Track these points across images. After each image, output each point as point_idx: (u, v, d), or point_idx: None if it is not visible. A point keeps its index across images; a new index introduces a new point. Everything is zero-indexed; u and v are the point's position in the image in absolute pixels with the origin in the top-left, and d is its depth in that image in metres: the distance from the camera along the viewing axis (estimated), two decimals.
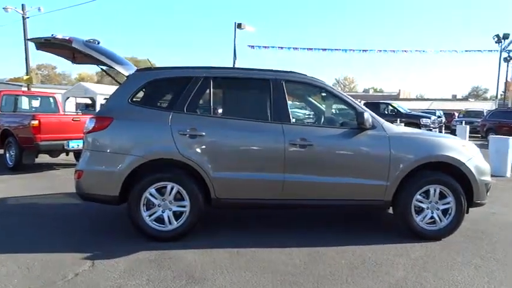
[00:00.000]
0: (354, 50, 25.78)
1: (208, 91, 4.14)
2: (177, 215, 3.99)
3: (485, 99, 61.29)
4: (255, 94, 4.29)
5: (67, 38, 4.06)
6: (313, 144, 4.04)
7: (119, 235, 4.17)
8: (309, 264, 3.49)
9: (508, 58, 31.22)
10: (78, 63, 5.23)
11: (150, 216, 3.97)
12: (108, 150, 3.97)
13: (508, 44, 23.76)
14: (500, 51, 27.47)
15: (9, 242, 3.96)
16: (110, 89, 14.79)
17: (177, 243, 3.90)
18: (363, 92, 74.47)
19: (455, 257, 3.76)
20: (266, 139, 4.05)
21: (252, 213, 5.04)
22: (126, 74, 4.23)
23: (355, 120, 4.16)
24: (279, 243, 3.97)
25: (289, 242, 4.00)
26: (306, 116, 5.71)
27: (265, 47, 25.49)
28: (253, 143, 4.07)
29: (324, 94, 4.44)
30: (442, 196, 4.22)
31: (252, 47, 23.49)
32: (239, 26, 23.60)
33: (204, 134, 3.96)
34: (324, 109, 4.54)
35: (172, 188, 3.95)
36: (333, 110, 4.53)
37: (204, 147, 3.96)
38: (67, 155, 9.21)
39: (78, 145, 8.22)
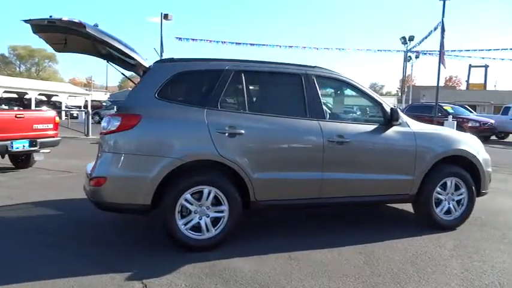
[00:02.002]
0: (280, 46, 26.26)
1: (241, 86, 3.84)
2: (214, 222, 3.65)
3: (381, 94, 67.40)
4: (288, 89, 4.08)
5: (77, 21, 3.43)
6: (349, 141, 3.99)
7: (144, 247, 3.70)
8: (369, 263, 3.44)
9: (409, 58, 34.70)
10: (62, 51, 4.50)
11: (185, 224, 3.56)
12: (138, 153, 3.46)
13: (417, 44, 26.43)
14: (406, 52, 30.38)
15: (17, 272, 3.19)
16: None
17: (217, 252, 3.56)
18: None
19: (483, 244, 4.00)
20: (306, 137, 3.89)
21: (272, 214, 4.82)
22: (146, 64, 3.72)
23: (384, 116, 4.20)
24: (321, 242, 3.85)
25: (328, 240, 3.91)
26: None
27: (194, 39, 24.81)
28: (294, 141, 3.88)
29: (350, 90, 4.39)
30: (457, 188, 4.48)
31: (180, 39, 22.70)
32: (165, 17, 22.61)
33: (243, 132, 3.65)
34: (353, 105, 4.51)
35: (209, 192, 3.59)
36: (355, 107, 4.51)
37: (243, 146, 3.66)
38: (2, 157, 7.92)
39: (24, 146, 7.13)
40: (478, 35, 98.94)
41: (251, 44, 25.54)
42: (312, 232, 4.26)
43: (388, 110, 4.22)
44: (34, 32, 3.71)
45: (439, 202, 4.43)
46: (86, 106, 33.01)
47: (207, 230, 3.61)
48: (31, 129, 7.24)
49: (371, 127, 4.19)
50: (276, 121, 3.82)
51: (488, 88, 54.68)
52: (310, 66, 4.18)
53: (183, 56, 3.88)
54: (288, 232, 4.26)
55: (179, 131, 3.56)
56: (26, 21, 3.54)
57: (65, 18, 3.42)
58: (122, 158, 3.45)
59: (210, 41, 25.17)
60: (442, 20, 17.22)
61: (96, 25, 3.69)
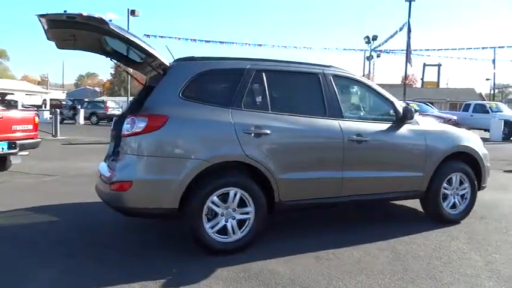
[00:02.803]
0: (249, 44, 26.19)
1: (262, 85, 3.77)
2: (240, 224, 3.58)
3: None
4: (308, 88, 4.05)
5: (97, 16, 3.23)
6: (367, 140, 4.04)
7: (166, 250, 3.57)
8: (398, 260, 3.49)
9: (371, 57, 35.79)
10: (64, 48, 4.25)
11: (212, 227, 3.47)
12: (165, 155, 3.32)
13: (382, 44, 27.29)
14: (370, 51, 31.31)
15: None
16: None
17: (245, 254, 3.49)
18: None
19: (491, 236, 4.19)
20: (328, 136, 3.90)
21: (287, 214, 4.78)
22: (167, 63, 3.58)
23: (396, 114, 4.29)
24: (341, 241, 3.87)
25: (349, 238, 3.94)
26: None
27: (162, 36, 24.24)
28: (316, 141, 3.88)
29: (363, 89, 4.44)
30: (461, 182, 4.66)
31: (148, 36, 22.11)
32: (132, 13, 21.93)
33: (268, 132, 3.60)
34: (367, 104, 4.55)
35: (235, 194, 3.51)
36: (368, 105, 4.56)
37: (269, 146, 3.61)
38: None
39: (2, 149, 6.68)
40: (432, 35, 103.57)
41: (221, 42, 25.32)
42: (329, 231, 4.27)
43: (400, 108, 4.32)
44: (49, 28, 3.46)
45: (445, 197, 4.58)
46: (44, 105, 31.44)
47: (233, 232, 3.53)
48: (10, 130, 6.79)
49: (385, 125, 4.26)
50: (298, 121, 3.80)
51: (441, 86, 57.57)
52: (326, 66, 4.20)
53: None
54: (306, 231, 4.25)
55: (206, 131, 3.45)
56: (41, 15, 3.30)
57: (84, 14, 3.22)
58: (149, 160, 3.30)
59: (179, 38, 24.72)
60: (408, 20, 17.88)
61: (110, 21, 3.51)
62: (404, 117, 4.25)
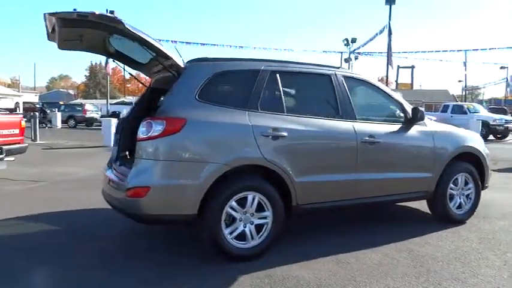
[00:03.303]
0: (231, 46, 25.95)
1: (277, 86, 3.70)
2: (257, 229, 3.48)
3: None
4: (321, 90, 4.00)
5: (110, 15, 3.08)
6: (380, 141, 4.02)
7: (181, 257, 3.43)
8: (418, 261, 3.46)
9: (349, 59, 36.34)
10: (64, 49, 4.05)
11: (231, 233, 3.36)
12: (183, 159, 3.19)
13: (362, 46, 27.70)
14: (349, 53, 31.75)
15: None
16: None
17: (263, 260, 3.40)
18: None
19: (499, 235, 4.24)
20: (342, 138, 3.86)
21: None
22: (182, 64, 3.45)
23: (405, 115, 4.30)
24: (357, 244, 3.83)
25: (363, 241, 3.90)
26: None
27: None
28: (332, 143, 3.84)
29: (372, 90, 4.42)
30: (466, 183, 4.71)
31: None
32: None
33: (286, 135, 3.53)
34: (377, 105, 4.53)
35: (253, 198, 3.42)
36: (378, 107, 4.55)
37: (286, 149, 3.54)
38: None
39: None
40: (406, 38, 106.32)
41: (202, 44, 25.05)
42: (339, 233, 4.22)
43: (408, 109, 4.33)
44: (60, 27, 3.27)
45: (451, 197, 4.62)
46: (17, 108, 30.30)
47: (252, 237, 3.44)
48: None
49: (396, 127, 4.26)
50: (314, 123, 3.74)
51: (414, 88, 59.00)
52: (336, 67, 4.17)
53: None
54: (317, 234, 4.19)
55: (225, 134, 3.34)
56: (51, 14, 3.12)
57: (97, 12, 3.06)
58: (167, 165, 3.17)
59: (160, 40, 24.24)
60: (389, 23, 18.21)
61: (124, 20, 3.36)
62: (415, 118, 4.27)
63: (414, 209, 5.23)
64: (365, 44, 23.64)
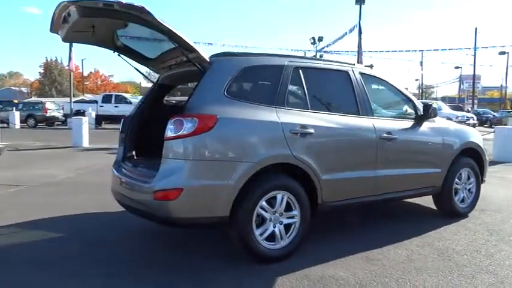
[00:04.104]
0: (200, 43, 25.33)
1: (300, 82, 3.63)
2: (285, 229, 3.40)
3: None
4: (341, 86, 3.96)
5: (138, 5, 2.88)
6: (396, 137, 4.05)
7: (208, 260, 3.28)
8: (444, 256, 3.50)
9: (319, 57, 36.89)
10: (69, 41, 3.78)
11: (261, 234, 3.26)
12: (216, 158, 3.04)
13: (330, 44, 28.07)
14: (316, 52, 32.09)
15: None
16: None
17: (292, 260, 3.32)
18: None
19: (504, 227, 4.40)
20: (364, 135, 3.85)
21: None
22: (207, 58, 3.29)
23: (416, 112, 4.37)
24: (378, 240, 3.83)
25: (383, 237, 3.93)
26: None
27: None
28: (355, 140, 3.82)
29: (384, 86, 4.45)
30: (468, 177, 4.86)
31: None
32: None
33: (313, 132, 3.46)
34: (390, 102, 4.56)
35: (282, 197, 3.33)
36: (391, 103, 4.58)
37: (313, 147, 3.48)
38: None
39: None
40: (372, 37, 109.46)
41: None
42: (353, 230, 4.23)
43: (419, 106, 4.40)
44: (81, 16, 3.01)
45: (456, 192, 4.74)
46: None
47: (281, 238, 3.35)
48: None
49: (409, 123, 4.31)
50: (337, 119, 3.71)
51: None
52: (352, 63, 4.16)
53: None
54: (334, 232, 4.17)
55: (256, 132, 3.23)
56: (72, 2, 2.87)
57: (123, 1, 2.85)
58: (199, 165, 3.01)
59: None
60: (359, 22, 18.58)
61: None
62: (426, 114, 4.34)
63: (412, 203, 5.32)
64: (333, 42, 24.07)
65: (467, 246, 3.78)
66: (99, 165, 8.62)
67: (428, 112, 4.33)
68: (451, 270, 3.20)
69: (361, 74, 4.09)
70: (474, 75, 41.10)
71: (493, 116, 32.32)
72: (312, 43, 30.96)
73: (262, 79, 3.54)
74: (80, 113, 20.73)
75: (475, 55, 38.38)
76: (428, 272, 3.15)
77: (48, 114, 23.43)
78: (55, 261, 3.34)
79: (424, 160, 4.38)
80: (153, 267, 3.22)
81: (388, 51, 49.13)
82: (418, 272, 3.16)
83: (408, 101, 4.45)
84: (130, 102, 22.29)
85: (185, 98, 5.26)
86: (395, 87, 4.43)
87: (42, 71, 62.70)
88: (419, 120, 4.37)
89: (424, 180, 4.40)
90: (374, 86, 4.34)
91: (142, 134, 4.18)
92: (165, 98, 4.49)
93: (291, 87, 3.56)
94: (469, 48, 37.84)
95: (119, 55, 4.10)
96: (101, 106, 22.77)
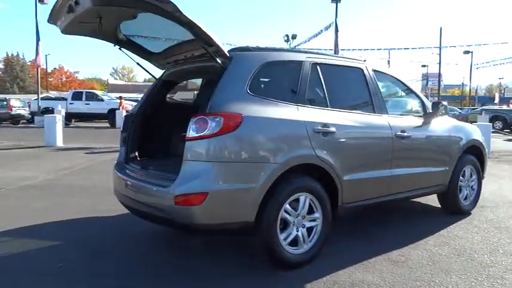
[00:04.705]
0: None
1: (318, 79, 3.48)
2: (308, 233, 3.26)
3: None
4: (356, 83, 3.84)
5: None
6: (409, 135, 3.98)
7: (233, 266, 3.09)
8: (464, 255, 3.46)
9: None
10: (69, 33, 3.48)
11: (285, 239, 3.09)
12: (241, 160, 2.85)
13: (306, 41, 28.10)
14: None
15: None
16: None
17: (315, 265, 3.19)
18: (144, 82, 73.58)
19: (509, 223, 4.44)
20: (381, 133, 3.76)
21: None
22: (226, 52, 3.08)
23: (424, 110, 4.34)
24: (394, 241, 3.77)
25: (397, 238, 3.86)
26: None
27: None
28: (373, 139, 3.72)
29: (396, 84, 4.37)
30: (470, 174, 4.88)
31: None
32: (41, 0, 19.50)
33: (334, 130, 3.33)
34: (401, 99, 4.48)
35: (305, 200, 3.18)
36: (400, 100, 4.51)
37: (334, 146, 3.34)
38: None
39: None
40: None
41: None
42: (364, 231, 4.14)
43: (428, 103, 4.36)
44: (94, 5, 2.72)
45: (460, 189, 4.75)
46: None
47: (304, 242, 3.20)
48: None
49: (419, 120, 4.26)
50: (356, 118, 3.59)
51: None
52: (363, 60, 4.05)
53: None
54: (348, 233, 4.06)
55: (281, 131, 3.05)
56: None
57: None
58: (225, 167, 2.80)
59: None
60: (336, 21, 18.70)
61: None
62: (435, 112, 4.30)
63: (414, 201, 5.30)
64: (308, 40, 24.14)
65: (483, 245, 3.75)
66: (81, 166, 8.19)
67: (438, 109, 4.29)
68: (478, 271, 3.15)
69: (374, 70, 3.99)
70: (440, 73, 42.39)
71: (459, 113, 33.47)
72: (285, 41, 30.98)
73: (282, 75, 3.36)
74: (49, 110, 19.78)
75: (440, 54, 39.65)
76: (456, 274, 3.09)
77: (13, 112, 22.21)
78: (59, 274, 3.04)
79: (435, 158, 4.34)
80: (171, 277, 3.00)
81: (360, 50, 50.07)
82: (447, 274, 3.09)
83: (417, 97, 4.41)
84: (102, 100, 21.50)
85: (184, 96, 5.02)
86: (404, 84, 4.37)
87: (2, 67, 59.74)
88: (428, 117, 4.32)
89: (434, 179, 4.37)
90: (386, 83, 4.26)
91: (144, 133, 3.92)
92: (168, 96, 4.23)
93: (311, 84, 3.41)
94: (433, 47, 39.21)
95: (120, 49, 3.82)
96: (70, 104, 21.80)
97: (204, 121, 2.78)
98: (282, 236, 3.06)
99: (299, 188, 3.13)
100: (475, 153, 4.91)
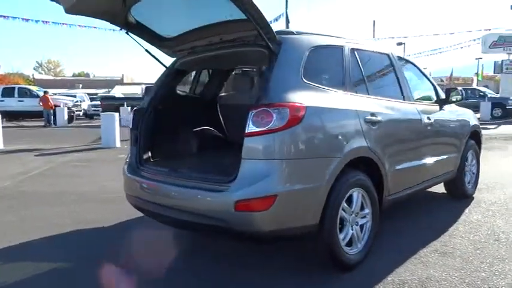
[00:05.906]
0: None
1: (358, 66, 3.26)
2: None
3: None
4: (387, 70, 3.67)
5: None
6: (433, 122, 3.92)
7: (281, 273, 2.78)
8: (487, 248, 3.36)
9: None
10: (71, 13, 2.92)
11: (343, 239, 2.85)
12: (307, 156, 2.53)
13: None
14: None
15: None
16: None
17: (367, 266, 2.99)
18: (73, 76, 69.10)
19: (510, 204, 4.58)
20: (415, 120, 3.66)
21: None
22: (276, 37, 2.73)
23: (437, 96, 4.32)
24: (424, 231, 3.70)
25: (418, 233, 3.78)
26: None
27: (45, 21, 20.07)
28: (409, 127, 3.60)
29: (414, 70, 4.27)
30: (472, 159, 4.97)
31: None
32: None
33: (381, 119, 3.13)
34: (419, 86, 4.36)
35: (357, 195, 2.96)
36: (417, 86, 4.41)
37: (381, 136, 3.15)
38: None
39: None
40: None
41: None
42: (398, 225, 3.98)
43: (440, 90, 4.34)
44: None
45: (464, 174, 4.82)
46: None
47: (358, 241, 2.98)
48: None
49: (436, 107, 4.21)
50: (393, 105, 3.43)
51: None
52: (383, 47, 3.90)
53: None
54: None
55: (339, 122, 2.78)
56: None
57: None
58: (292, 165, 2.46)
59: (27, 20, 20.34)
60: (286, 12, 18.67)
61: None
62: (447, 99, 4.29)
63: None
64: None
65: (497, 235, 3.61)
66: (38, 170, 7.27)
67: (450, 96, 4.27)
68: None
69: (398, 57, 3.86)
70: None
71: None
72: None
73: (329, 61, 3.08)
74: None
75: None
76: (510, 260, 3.05)
77: None
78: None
79: (451, 143, 4.36)
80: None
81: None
82: (501, 261, 3.04)
83: (431, 85, 4.36)
84: (37, 96, 19.60)
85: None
86: (420, 70, 4.31)
87: None
88: (441, 104, 4.30)
89: (451, 164, 4.38)
90: (406, 70, 4.13)
91: (157, 130, 3.45)
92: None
93: (353, 71, 3.17)
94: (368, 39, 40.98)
95: (127, 33, 3.30)
96: (1, 101, 19.64)
97: (267, 113, 2.42)
98: (341, 236, 2.81)
99: (354, 183, 2.89)
100: (474, 138, 5.01)
